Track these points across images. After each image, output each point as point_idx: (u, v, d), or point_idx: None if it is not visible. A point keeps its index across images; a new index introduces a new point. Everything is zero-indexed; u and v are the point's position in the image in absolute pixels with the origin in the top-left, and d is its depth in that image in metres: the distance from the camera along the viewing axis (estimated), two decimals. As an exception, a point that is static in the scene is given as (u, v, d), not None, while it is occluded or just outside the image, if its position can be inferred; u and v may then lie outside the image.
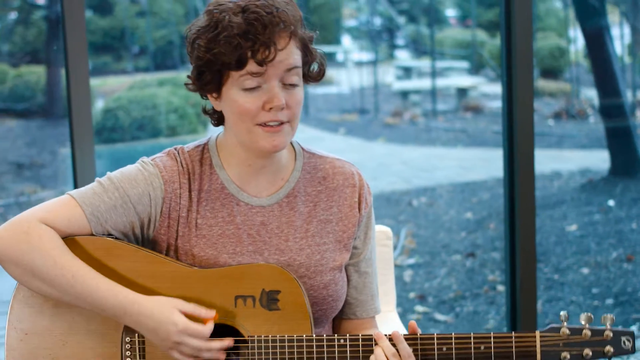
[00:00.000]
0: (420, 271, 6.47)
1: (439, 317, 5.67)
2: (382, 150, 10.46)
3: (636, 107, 9.18)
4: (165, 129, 9.11)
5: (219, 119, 2.26)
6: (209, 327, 2.10)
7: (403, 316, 5.73)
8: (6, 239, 2.11)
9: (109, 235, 2.18)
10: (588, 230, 6.68)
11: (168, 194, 2.21)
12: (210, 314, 2.11)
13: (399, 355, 2.10)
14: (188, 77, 2.22)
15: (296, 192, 2.28)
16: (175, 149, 2.28)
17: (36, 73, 10.00)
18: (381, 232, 2.99)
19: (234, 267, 2.17)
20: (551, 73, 12.20)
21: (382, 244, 2.98)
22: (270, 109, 2.11)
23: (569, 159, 9.02)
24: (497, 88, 12.18)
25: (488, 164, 9.31)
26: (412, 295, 6.09)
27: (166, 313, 2.09)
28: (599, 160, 8.49)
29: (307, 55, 2.19)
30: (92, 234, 2.16)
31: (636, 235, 6.54)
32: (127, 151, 8.04)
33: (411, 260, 6.70)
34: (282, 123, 2.14)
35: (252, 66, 2.09)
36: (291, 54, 2.13)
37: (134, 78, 11.51)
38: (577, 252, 6.38)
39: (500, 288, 5.99)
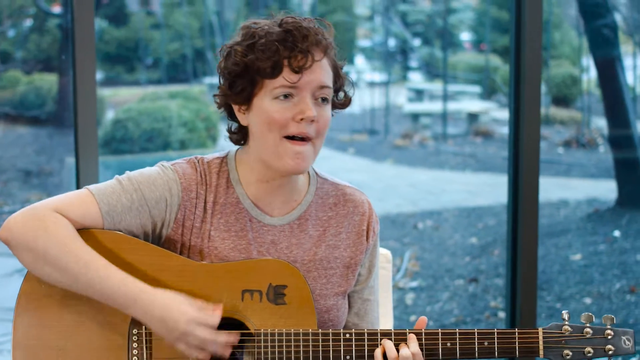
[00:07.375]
0: (423, 294, 6.46)
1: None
2: (390, 172, 10.44)
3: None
4: (175, 142, 9.12)
5: (241, 137, 2.29)
6: (216, 316, 2.13)
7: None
8: (20, 225, 2.13)
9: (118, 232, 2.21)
10: (592, 260, 6.65)
11: (184, 201, 2.24)
12: (218, 307, 2.15)
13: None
14: (218, 88, 2.25)
15: (307, 216, 2.31)
16: (196, 158, 2.31)
17: (48, 81, 10.02)
18: (381, 255, 2.98)
19: (242, 261, 2.22)
20: (563, 101, 12.18)
21: (382, 267, 2.96)
22: (301, 119, 2.15)
23: (576, 188, 9.00)
24: (508, 114, 12.13)
25: (495, 189, 9.30)
26: (412, 318, 6.07)
27: (176, 303, 2.12)
28: (606, 190, 8.47)
29: (337, 80, 2.25)
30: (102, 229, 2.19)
31: (641, 267, 6.52)
32: (135, 163, 8.03)
33: (414, 284, 6.69)
34: (307, 139, 2.17)
35: (287, 74, 2.13)
36: (324, 72, 2.19)
37: (146, 90, 11.53)
38: (581, 281, 6.36)
39: (502, 315, 5.97)
